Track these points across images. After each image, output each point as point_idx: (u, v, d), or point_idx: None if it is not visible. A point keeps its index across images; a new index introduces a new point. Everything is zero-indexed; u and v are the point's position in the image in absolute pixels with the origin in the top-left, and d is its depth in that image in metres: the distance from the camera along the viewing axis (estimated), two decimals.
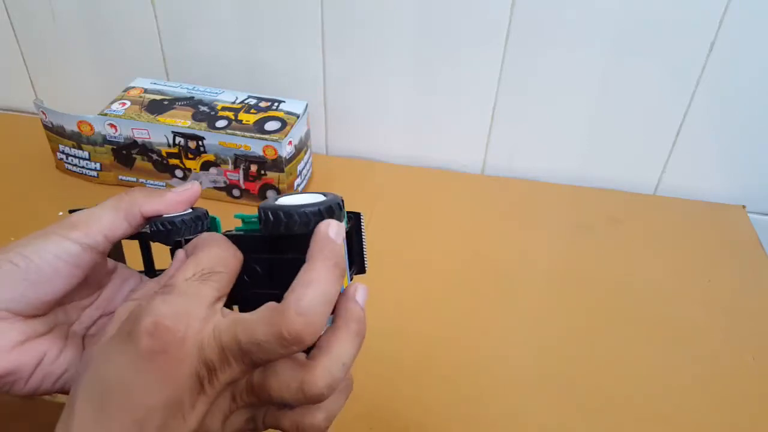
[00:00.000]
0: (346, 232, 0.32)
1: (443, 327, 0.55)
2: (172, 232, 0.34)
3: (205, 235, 0.31)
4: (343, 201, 0.31)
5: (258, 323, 0.26)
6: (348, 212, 0.33)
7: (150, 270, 0.38)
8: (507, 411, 0.48)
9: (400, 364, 0.51)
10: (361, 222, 0.34)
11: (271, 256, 0.31)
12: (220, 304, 0.29)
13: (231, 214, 0.69)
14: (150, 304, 0.27)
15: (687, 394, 0.50)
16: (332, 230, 0.29)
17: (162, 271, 0.35)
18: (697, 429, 0.48)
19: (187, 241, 0.33)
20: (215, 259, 0.29)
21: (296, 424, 0.29)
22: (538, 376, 0.51)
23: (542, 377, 0.51)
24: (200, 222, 0.35)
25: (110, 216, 0.33)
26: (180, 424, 0.26)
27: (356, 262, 0.35)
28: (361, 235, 0.34)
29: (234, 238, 0.32)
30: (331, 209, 0.30)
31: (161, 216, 0.34)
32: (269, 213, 0.30)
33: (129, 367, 0.26)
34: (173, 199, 0.34)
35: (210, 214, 0.37)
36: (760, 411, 0.49)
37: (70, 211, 0.35)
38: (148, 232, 0.34)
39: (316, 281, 0.27)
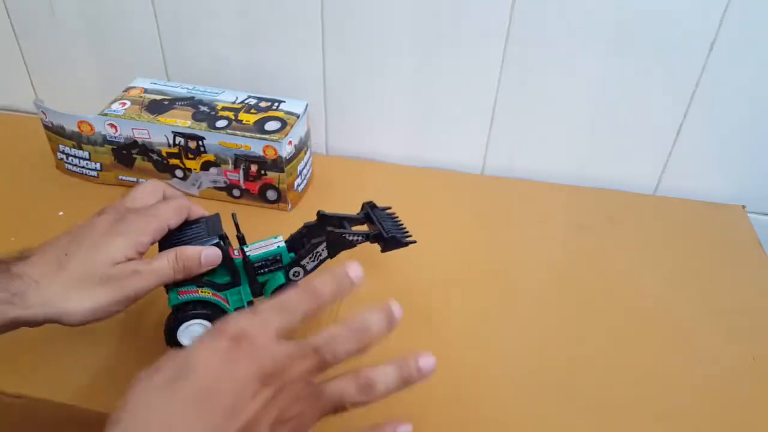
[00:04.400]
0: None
1: (443, 327, 0.55)
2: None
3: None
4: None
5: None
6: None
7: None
8: (506, 411, 0.48)
9: None
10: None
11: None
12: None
13: (231, 214, 0.68)
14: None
15: (687, 394, 0.50)
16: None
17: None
18: (697, 429, 0.48)
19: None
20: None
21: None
22: (538, 375, 0.51)
23: (542, 377, 0.51)
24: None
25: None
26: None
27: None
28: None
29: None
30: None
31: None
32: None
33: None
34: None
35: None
36: (760, 411, 0.49)
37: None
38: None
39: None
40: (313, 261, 0.50)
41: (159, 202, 0.47)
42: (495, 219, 0.68)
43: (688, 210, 0.71)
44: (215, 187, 0.68)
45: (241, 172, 0.66)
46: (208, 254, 0.45)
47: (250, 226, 0.61)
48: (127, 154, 0.67)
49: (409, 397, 0.49)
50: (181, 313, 0.45)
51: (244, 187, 0.67)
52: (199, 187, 0.68)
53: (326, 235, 0.50)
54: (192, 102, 0.67)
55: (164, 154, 0.66)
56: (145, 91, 0.69)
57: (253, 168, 0.65)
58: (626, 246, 0.65)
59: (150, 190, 0.48)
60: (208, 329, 0.33)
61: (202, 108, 0.67)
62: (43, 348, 0.51)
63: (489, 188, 0.74)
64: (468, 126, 0.74)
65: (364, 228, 0.55)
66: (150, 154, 0.67)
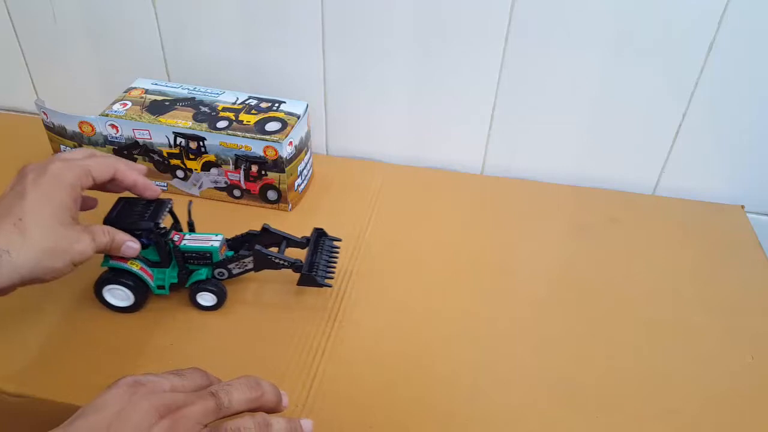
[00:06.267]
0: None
1: (443, 327, 0.55)
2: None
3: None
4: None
5: None
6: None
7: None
8: (506, 411, 0.48)
9: (399, 364, 0.51)
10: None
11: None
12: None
13: (232, 214, 0.69)
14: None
15: (686, 394, 0.50)
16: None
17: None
18: (697, 428, 0.48)
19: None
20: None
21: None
22: (538, 375, 0.51)
23: (542, 377, 0.51)
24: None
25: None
26: None
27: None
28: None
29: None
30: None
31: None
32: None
33: None
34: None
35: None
36: (760, 411, 0.49)
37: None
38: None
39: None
40: (239, 269, 0.55)
41: (86, 155, 0.50)
42: (495, 219, 0.68)
43: (687, 210, 0.71)
44: (216, 188, 0.68)
45: (242, 172, 0.66)
46: (128, 246, 0.50)
47: (250, 226, 0.61)
48: (128, 154, 0.68)
49: (409, 397, 0.49)
50: (109, 275, 0.52)
51: (244, 187, 0.67)
52: (200, 188, 0.69)
53: (253, 253, 0.53)
54: (193, 103, 0.68)
55: (165, 154, 0.67)
56: (146, 91, 0.69)
57: (254, 168, 0.65)
58: (625, 246, 0.65)
59: (81, 151, 0.51)
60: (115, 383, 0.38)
61: (203, 109, 0.67)
62: (44, 348, 0.51)
63: (489, 188, 0.74)
64: (468, 126, 0.74)
65: (304, 252, 0.57)
66: (151, 154, 0.67)
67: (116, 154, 0.68)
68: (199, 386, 0.40)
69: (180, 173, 0.68)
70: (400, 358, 0.52)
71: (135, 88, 0.70)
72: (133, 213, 0.52)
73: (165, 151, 0.66)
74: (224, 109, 0.67)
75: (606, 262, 0.63)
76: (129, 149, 0.67)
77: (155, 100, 0.68)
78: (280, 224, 0.66)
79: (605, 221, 0.68)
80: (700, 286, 0.60)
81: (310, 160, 0.71)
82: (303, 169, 0.68)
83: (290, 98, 0.68)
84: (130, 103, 0.67)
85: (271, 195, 0.67)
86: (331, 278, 0.55)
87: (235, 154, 0.64)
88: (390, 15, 0.67)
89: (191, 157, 0.66)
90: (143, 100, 0.68)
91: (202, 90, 0.70)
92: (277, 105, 0.67)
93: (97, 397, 0.37)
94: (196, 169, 0.67)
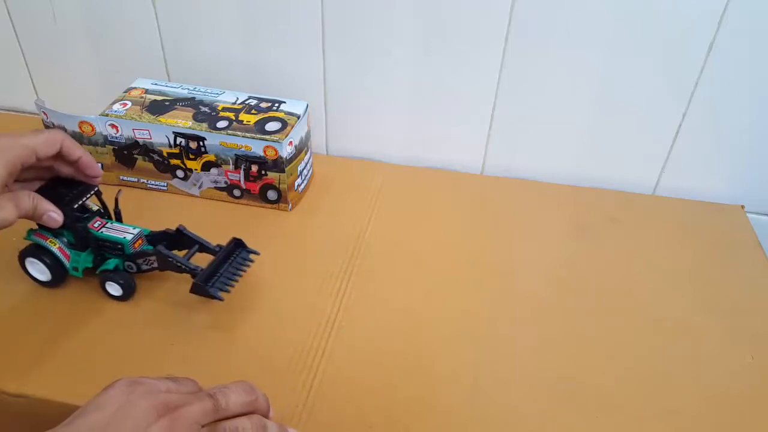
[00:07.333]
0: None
1: (443, 326, 0.55)
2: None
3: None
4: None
5: None
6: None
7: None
8: (506, 410, 0.48)
9: (399, 364, 0.51)
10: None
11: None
12: None
13: (232, 214, 0.69)
14: None
15: (686, 394, 0.50)
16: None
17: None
18: (697, 428, 0.48)
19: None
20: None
21: None
22: (538, 375, 0.51)
23: (542, 377, 0.51)
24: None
25: None
26: None
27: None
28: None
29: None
30: None
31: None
32: None
33: None
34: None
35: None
36: (760, 411, 0.49)
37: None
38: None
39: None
40: (147, 265, 0.55)
41: (33, 133, 0.51)
42: (495, 219, 0.68)
43: (687, 210, 0.71)
44: (216, 188, 0.68)
45: (242, 172, 0.66)
46: (49, 216, 0.51)
47: (250, 226, 0.61)
48: (128, 154, 0.68)
49: (409, 397, 0.49)
50: (30, 249, 0.55)
51: (244, 187, 0.67)
52: (200, 188, 0.69)
53: (155, 253, 0.54)
54: (193, 103, 0.68)
55: (165, 154, 0.67)
56: (146, 91, 0.69)
57: (254, 168, 0.65)
58: (625, 246, 0.65)
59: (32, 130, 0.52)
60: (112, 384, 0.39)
61: (203, 109, 0.67)
62: (44, 348, 0.51)
63: (488, 188, 0.74)
64: (468, 126, 0.74)
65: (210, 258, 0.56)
66: (151, 154, 0.67)
67: (116, 154, 0.68)
68: (191, 392, 0.40)
69: (180, 173, 0.68)
70: (400, 358, 0.52)
71: (135, 88, 0.70)
72: (57, 193, 0.53)
73: (165, 151, 0.66)
74: (224, 109, 0.67)
75: (606, 262, 0.63)
76: (129, 149, 0.67)
77: (155, 100, 0.68)
78: (280, 224, 0.66)
79: (605, 221, 0.68)
80: (700, 286, 0.61)
81: (310, 160, 0.71)
82: (303, 169, 0.68)
83: (290, 98, 0.68)
84: (130, 103, 0.67)
85: (271, 195, 0.67)
86: (227, 291, 0.53)
87: (235, 154, 0.64)
88: (390, 15, 0.67)
89: (191, 157, 0.66)
90: (143, 100, 0.68)
91: (202, 90, 0.70)
92: (277, 105, 0.67)
93: (96, 396, 0.37)
94: (196, 169, 0.67)
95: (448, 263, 0.62)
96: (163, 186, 0.69)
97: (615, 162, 0.73)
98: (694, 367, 0.52)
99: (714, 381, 0.51)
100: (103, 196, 0.56)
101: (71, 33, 0.77)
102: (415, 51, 0.69)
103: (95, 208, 0.57)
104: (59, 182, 0.54)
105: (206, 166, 0.66)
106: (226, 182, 0.67)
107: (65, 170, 0.54)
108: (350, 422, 0.47)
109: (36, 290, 0.56)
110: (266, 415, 0.42)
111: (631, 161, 0.73)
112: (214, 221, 0.66)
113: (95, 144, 0.67)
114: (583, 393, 0.50)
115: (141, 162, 0.68)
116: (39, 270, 0.55)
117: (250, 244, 0.57)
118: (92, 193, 0.55)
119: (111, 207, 0.57)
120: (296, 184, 0.67)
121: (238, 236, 0.56)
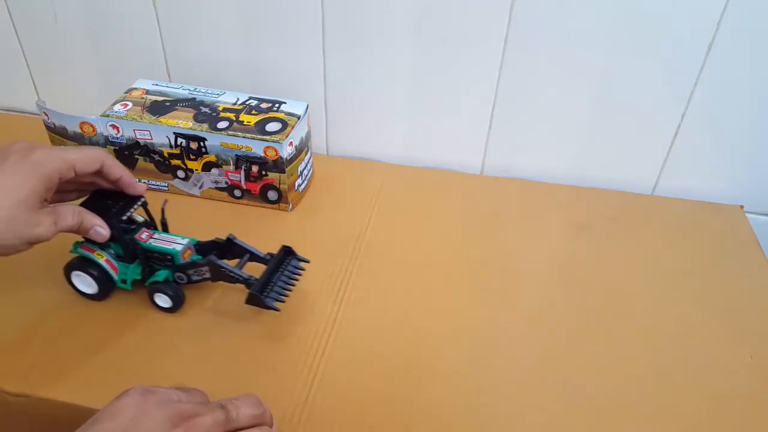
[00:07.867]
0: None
1: (443, 326, 0.55)
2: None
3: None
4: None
5: None
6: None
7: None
8: (506, 410, 0.48)
9: (399, 364, 0.52)
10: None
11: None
12: None
13: (233, 214, 0.69)
14: None
15: (685, 394, 0.50)
16: None
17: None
18: (696, 428, 0.48)
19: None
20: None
21: None
22: (537, 375, 0.51)
23: (541, 376, 0.51)
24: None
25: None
26: None
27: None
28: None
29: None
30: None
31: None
32: None
33: None
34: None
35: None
36: (759, 410, 0.49)
37: None
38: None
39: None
40: (198, 276, 0.54)
41: (75, 148, 0.50)
42: (494, 219, 0.69)
43: (686, 210, 0.71)
44: (217, 188, 0.68)
45: (242, 172, 0.66)
46: (96, 231, 0.50)
47: (251, 226, 0.62)
48: (129, 155, 0.68)
49: (409, 396, 0.49)
50: (75, 262, 0.54)
51: (245, 187, 0.67)
52: (200, 188, 0.69)
53: (208, 264, 0.53)
54: (193, 103, 0.68)
55: (166, 155, 0.67)
56: (147, 92, 0.70)
57: (254, 169, 0.65)
58: (624, 246, 0.65)
59: (75, 146, 0.53)
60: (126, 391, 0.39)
61: (204, 109, 0.67)
62: (44, 348, 0.52)
63: (488, 188, 0.74)
64: (467, 126, 0.74)
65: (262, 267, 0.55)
66: (152, 155, 0.67)
67: (117, 155, 0.68)
68: (202, 403, 0.40)
69: (181, 173, 0.68)
70: (400, 358, 0.52)
71: (136, 88, 0.70)
72: (102, 205, 0.52)
73: (166, 151, 0.66)
74: (225, 110, 0.67)
75: (605, 262, 0.63)
76: (130, 149, 0.67)
77: (156, 100, 0.68)
78: (280, 224, 0.66)
79: (604, 221, 0.68)
80: (699, 286, 0.61)
81: (311, 160, 0.71)
82: (303, 169, 0.68)
83: (290, 98, 0.68)
84: (130, 104, 0.67)
85: (272, 195, 0.67)
86: (282, 301, 0.53)
87: (236, 155, 0.64)
88: (390, 15, 0.68)
89: (192, 157, 0.66)
90: (144, 100, 0.68)
91: (202, 90, 0.70)
92: (277, 105, 0.67)
93: (109, 404, 0.37)
94: (196, 170, 0.67)
95: (448, 263, 0.62)
96: (164, 186, 0.70)
97: (614, 162, 0.73)
98: (694, 367, 0.52)
99: (713, 380, 0.51)
100: (149, 206, 0.55)
101: (72, 33, 0.78)
102: (416, 51, 0.69)
103: (140, 219, 0.55)
104: (104, 194, 0.53)
105: (207, 167, 0.67)
106: (226, 182, 0.67)
107: (106, 186, 0.53)
108: (350, 422, 0.47)
109: (79, 300, 0.55)
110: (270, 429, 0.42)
111: (630, 161, 0.73)
112: (214, 221, 0.66)
113: (96, 144, 0.67)
114: (583, 392, 0.50)
115: (142, 162, 0.68)
116: (86, 283, 0.54)
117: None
118: (139, 204, 0.53)
119: (157, 218, 0.56)
120: (297, 185, 0.68)
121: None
